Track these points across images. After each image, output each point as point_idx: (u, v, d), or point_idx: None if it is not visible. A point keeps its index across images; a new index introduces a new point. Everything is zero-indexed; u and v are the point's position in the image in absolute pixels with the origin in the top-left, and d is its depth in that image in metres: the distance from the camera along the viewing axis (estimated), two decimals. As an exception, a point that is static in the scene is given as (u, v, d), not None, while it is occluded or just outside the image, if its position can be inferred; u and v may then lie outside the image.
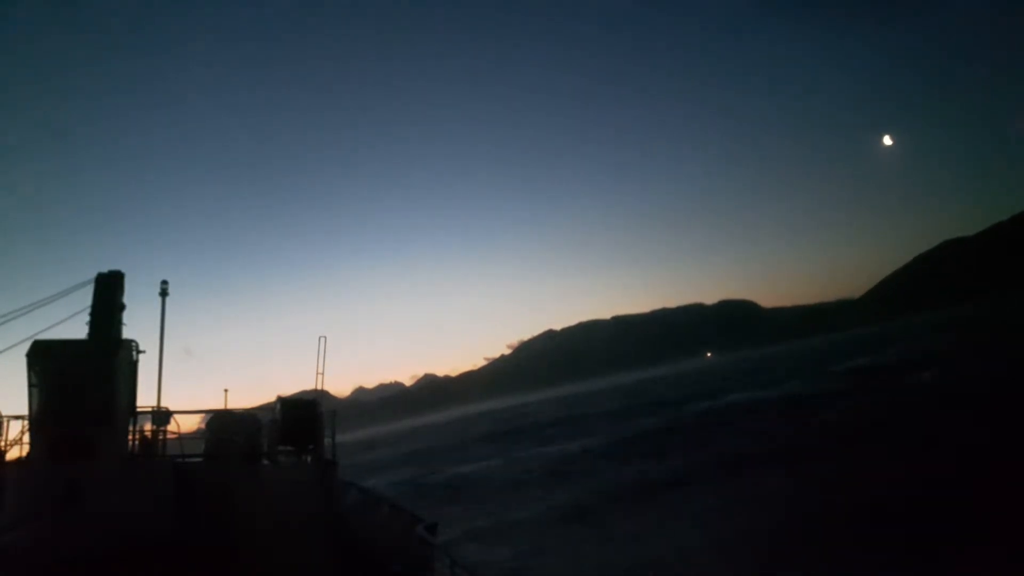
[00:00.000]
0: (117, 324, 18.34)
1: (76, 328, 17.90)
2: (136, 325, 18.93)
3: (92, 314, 17.90)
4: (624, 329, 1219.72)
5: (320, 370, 19.57)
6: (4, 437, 17.16)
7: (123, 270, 18.87)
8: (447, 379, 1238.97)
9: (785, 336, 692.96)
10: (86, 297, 18.05)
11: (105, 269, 18.62)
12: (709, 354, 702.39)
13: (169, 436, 18.37)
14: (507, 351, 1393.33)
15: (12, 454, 17.20)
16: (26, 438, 16.99)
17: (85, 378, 16.90)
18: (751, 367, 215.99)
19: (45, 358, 16.65)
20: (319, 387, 19.50)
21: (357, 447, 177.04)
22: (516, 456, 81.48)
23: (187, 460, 18.03)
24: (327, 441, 18.56)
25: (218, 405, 19.25)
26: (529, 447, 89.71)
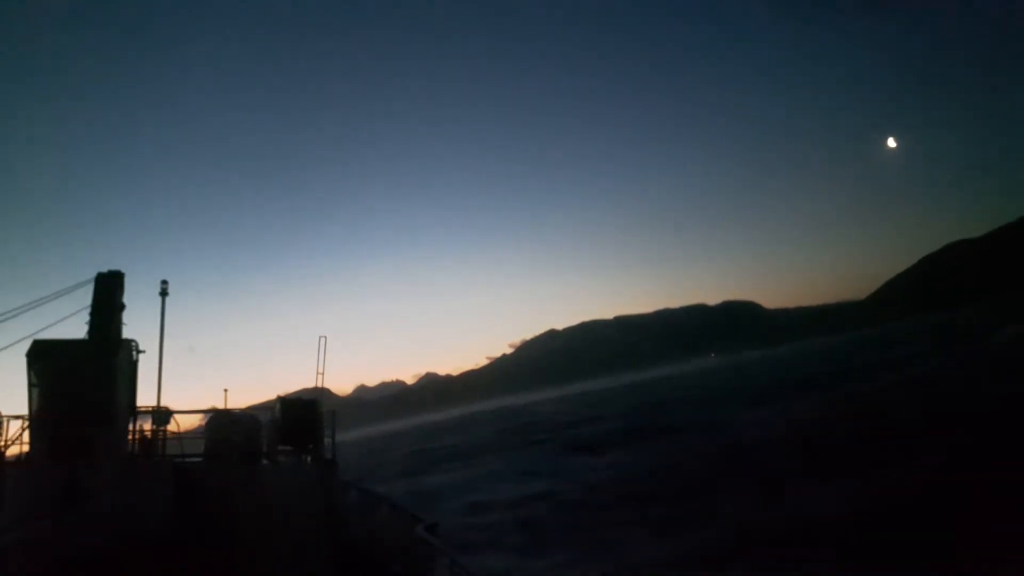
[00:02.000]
0: (117, 324, 18.34)
1: (76, 328, 17.91)
2: (136, 325, 18.95)
3: (92, 314, 17.89)
4: (626, 329, 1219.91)
5: (320, 370, 19.64)
6: (4, 437, 17.15)
7: (123, 270, 18.90)
8: (448, 378, 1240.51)
9: (788, 337, 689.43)
10: (86, 297, 18.05)
11: (105, 269, 18.65)
12: (713, 355, 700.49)
13: (169, 436, 18.40)
14: (509, 350, 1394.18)
15: (12, 454, 17.20)
16: (26, 438, 17.01)
17: (85, 378, 16.90)
18: (795, 361, 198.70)
19: (45, 358, 16.67)
20: (319, 386, 19.54)
21: (376, 444, 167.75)
22: (565, 463, 66.50)
23: (187, 460, 18.07)
24: (327, 441, 18.57)
25: (218, 405, 19.29)
26: (572, 452, 74.66)
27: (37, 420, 16.74)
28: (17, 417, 17.12)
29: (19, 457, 17.05)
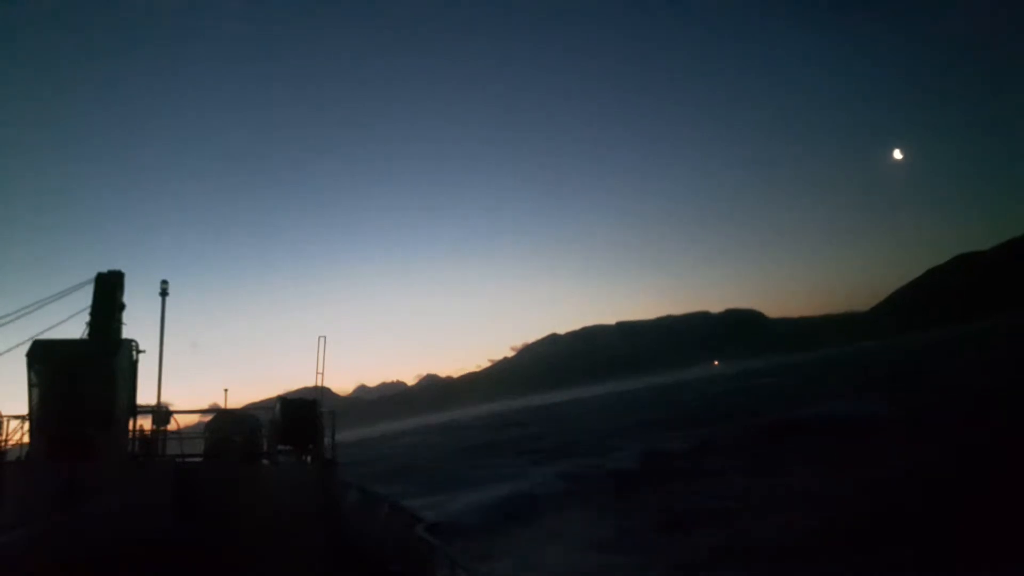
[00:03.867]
0: (117, 324, 18.44)
1: (76, 328, 18.02)
2: (136, 325, 19.00)
3: (92, 314, 17.99)
4: (628, 335, 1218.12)
5: (320, 370, 19.65)
6: (4, 437, 17.19)
7: (123, 270, 18.99)
8: (449, 379, 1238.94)
9: (791, 347, 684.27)
10: (86, 297, 18.16)
11: (105, 269, 18.74)
12: (716, 363, 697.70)
13: (169, 436, 18.44)
14: (511, 353, 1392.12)
15: (12, 454, 17.23)
16: (26, 438, 17.06)
17: (85, 378, 17.00)
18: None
19: (45, 358, 16.75)
20: (319, 386, 19.56)
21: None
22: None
23: (187, 460, 18.10)
24: (327, 441, 18.56)
25: (218, 404, 19.33)
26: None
27: (37, 420, 16.81)
28: (17, 417, 17.19)
29: (19, 457, 17.09)
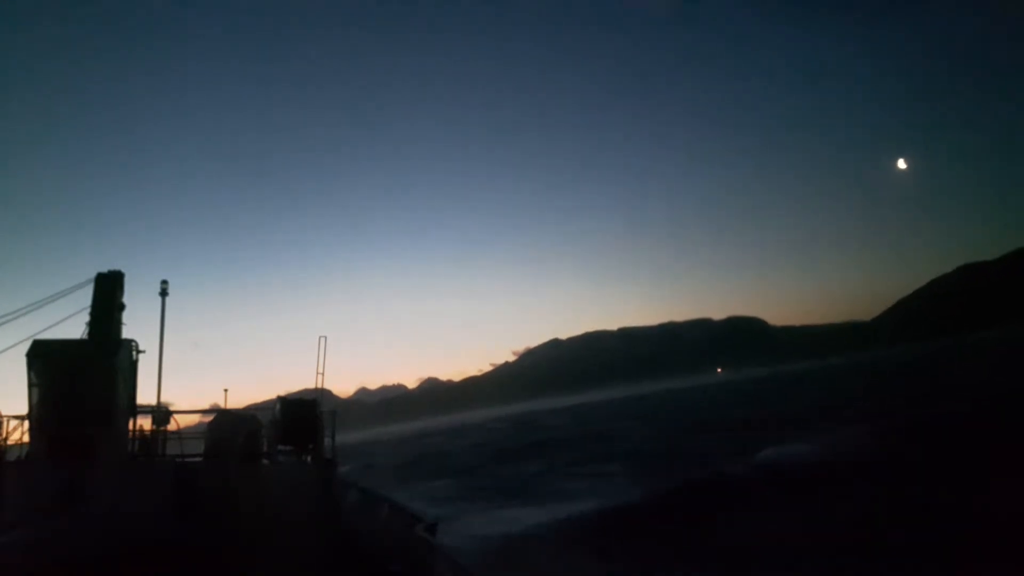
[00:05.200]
0: (117, 324, 18.48)
1: (76, 328, 18.06)
2: (136, 325, 19.03)
3: (92, 314, 18.04)
4: (630, 341, 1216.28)
5: (320, 370, 19.63)
6: (4, 437, 17.17)
7: (123, 270, 19.04)
8: (450, 383, 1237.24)
9: (794, 356, 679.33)
10: (86, 297, 18.22)
11: (105, 269, 18.78)
12: (720, 370, 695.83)
13: (169, 436, 18.43)
14: (512, 358, 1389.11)
15: (12, 454, 17.21)
16: (26, 438, 17.05)
17: (85, 378, 17.01)
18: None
19: (45, 358, 16.75)
20: (319, 386, 19.53)
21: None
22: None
23: (187, 460, 18.08)
24: (327, 441, 18.54)
25: (218, 404, 19.32)
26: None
27: (37, 420, 16.79)
28: (17, 417, 17.17)
29: (19, 457, 17.08)
